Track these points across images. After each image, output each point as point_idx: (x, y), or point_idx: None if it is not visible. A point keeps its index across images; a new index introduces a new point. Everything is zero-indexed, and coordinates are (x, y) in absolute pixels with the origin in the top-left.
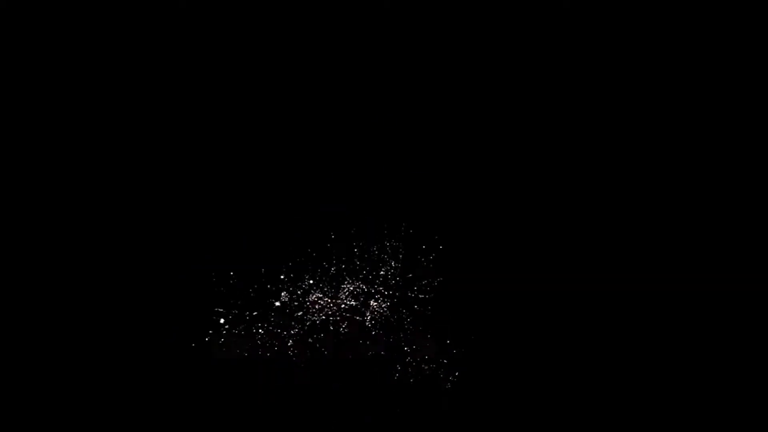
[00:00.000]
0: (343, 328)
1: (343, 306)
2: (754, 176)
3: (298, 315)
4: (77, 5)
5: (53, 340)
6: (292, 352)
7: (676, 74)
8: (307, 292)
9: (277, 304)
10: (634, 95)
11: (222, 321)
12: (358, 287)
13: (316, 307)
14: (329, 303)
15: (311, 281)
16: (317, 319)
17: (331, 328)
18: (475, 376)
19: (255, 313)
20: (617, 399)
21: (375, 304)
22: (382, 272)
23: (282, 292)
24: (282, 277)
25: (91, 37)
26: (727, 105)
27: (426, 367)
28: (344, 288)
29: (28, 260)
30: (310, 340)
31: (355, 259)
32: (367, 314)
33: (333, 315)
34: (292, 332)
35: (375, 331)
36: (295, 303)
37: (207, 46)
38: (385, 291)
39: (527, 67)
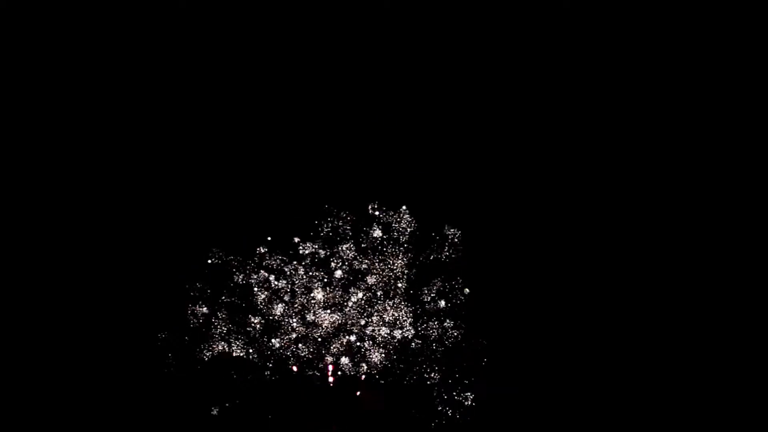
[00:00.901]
0: (344, 328)
1: (344, 305)
2: (754, 177)
3: (298, 314)
4: (77, 5)
5: (53, 339)
6: (293, 352)
7: (677, 74)
8: (306, 292)
9: (278, 304)
10: (635, 95)
11: (222, 320)
12: (359, 287)
13: (316, 306)
14: (329, 302)
15: (311, 281)
16: (317, 319)
17: (332, 327)
18: (481, 376)
19: (255, 314)
20: (625, 398)
21: (376, 303)
22: (381, 271)
23: (282, 292)
24: (282, 277)
25: (91, 37)
26: (727, 106)
27: (432, 362)
28: (345, 288)
29: (27, 260)
30: (310, 339)
31: (356, 259)
32: (368, 314)
33: (334, 313)
34: (293, 332)
35: (376, 330)
36: (296, 302)
37: (207, 46)
38: (385, 290)
39: (528, 66)
